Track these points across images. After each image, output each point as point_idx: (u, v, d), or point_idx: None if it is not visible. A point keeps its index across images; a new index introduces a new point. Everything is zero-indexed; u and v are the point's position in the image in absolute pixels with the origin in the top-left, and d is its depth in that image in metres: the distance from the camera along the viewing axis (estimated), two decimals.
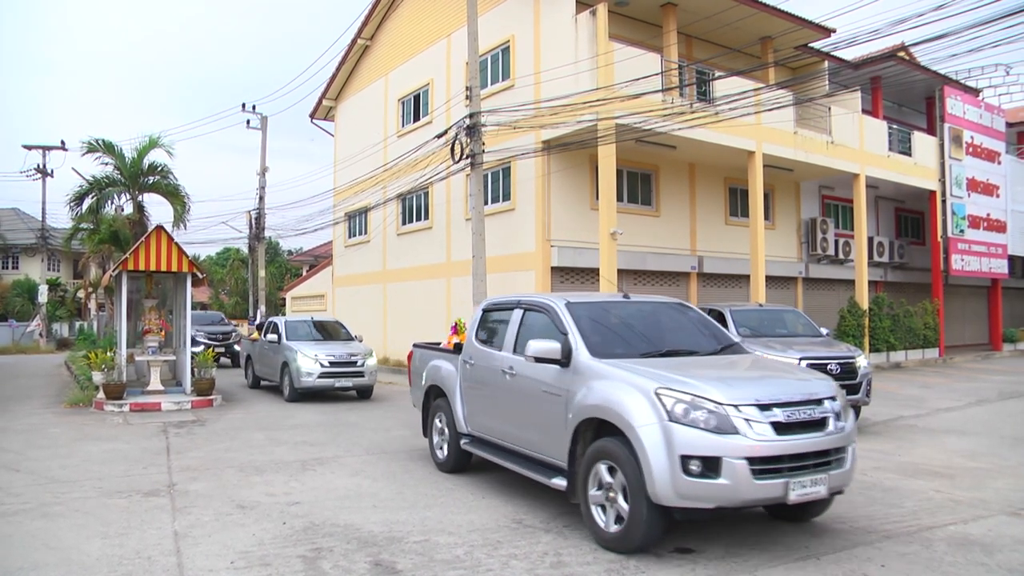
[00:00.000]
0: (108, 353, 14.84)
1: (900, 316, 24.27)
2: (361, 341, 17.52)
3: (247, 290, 38.46)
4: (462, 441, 8.18)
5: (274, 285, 45.41)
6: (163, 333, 15.68)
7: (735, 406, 5.36)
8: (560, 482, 6.33)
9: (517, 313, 7.67)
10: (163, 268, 14.93)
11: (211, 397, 14.82)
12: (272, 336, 17.05)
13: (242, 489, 7.77)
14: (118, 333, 15.65)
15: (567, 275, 19.05)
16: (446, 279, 22.16)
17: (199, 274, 15.93)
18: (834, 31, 20.80)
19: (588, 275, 18.98)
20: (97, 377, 14.56)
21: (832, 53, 20.80)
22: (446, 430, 8.59)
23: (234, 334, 25.37)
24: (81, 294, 42.95)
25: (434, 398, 9.07)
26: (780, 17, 20.03)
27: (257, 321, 28.02)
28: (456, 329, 10.14)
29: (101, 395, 14.24)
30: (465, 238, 19.57)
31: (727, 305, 15.39)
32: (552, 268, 18.61)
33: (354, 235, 28.26)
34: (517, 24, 19.58)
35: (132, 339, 16.01)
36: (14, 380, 20.56)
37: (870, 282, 24.30)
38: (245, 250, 38.28)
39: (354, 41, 27.35)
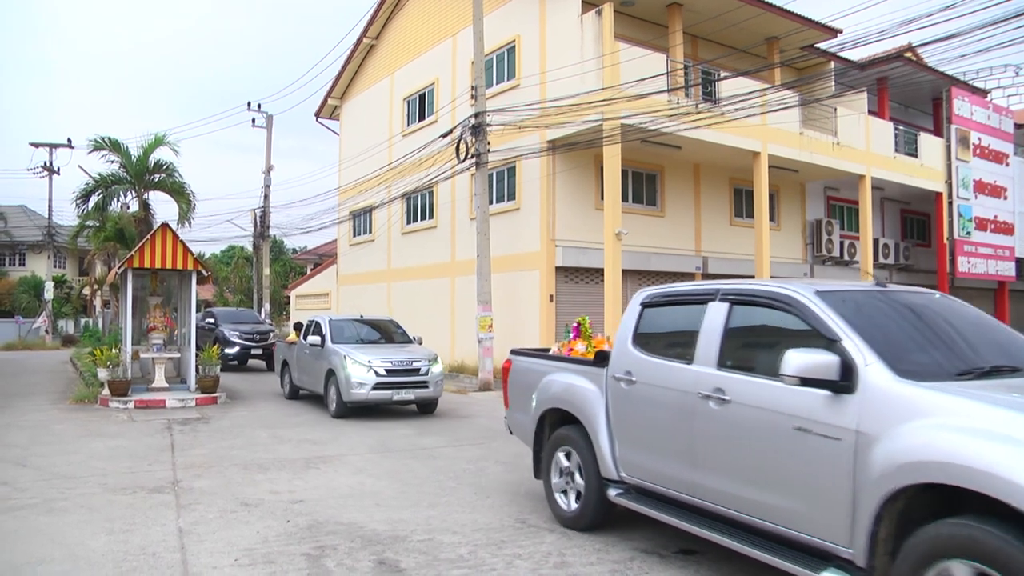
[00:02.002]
0: (113, 350, 14.88)
1: None
2: (421, 343, 15.12)
3: (251, 288, 38.50)
4: (611, 491, 5.90)
5: (278, 283, 45.45)
6: (167, 331, 15.71)
7: None
8: None
9: (717, 309, 5.27)
10: (168, 266, 14.95)
11: (215, 395, 14.84)
12: (314, 338, 14.43)
13: (246, 487, 7.78)
14: (123, 330, 15.70)
15: (571, 275, 19.05)
16: (450, 278, 22.17)
17: (204, 272, 15.94)
18: (841, 31, 20.79)
19: (593, 275, 18.98)
20: (102, 374, 14.60)
21: (839, 54, 20.77)
22: (578, 473, 6.31)
23: (272, 334, 23.49)
24: (87, 291, 43.17)
25: (553, 426, 6.76)
26: (786, 17, 20.02)
27: (262, 317, 28.01)
28: (579, 330, 7.55)
29: (106, 392, 14.28)
30: (470, 237, 19.57)
31: None
32: (556, 268, 18.62)
33: (359, 234, 28.30)
34: (523, 24, 19.58)
35: (137, 336, 16.05)
36: (20, 376, 20.62)
37: None
38: (250, 248, 38.39)
39: (360, 40, 27.38)
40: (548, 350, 7.79)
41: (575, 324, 7.74)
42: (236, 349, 22.18)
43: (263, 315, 28.55)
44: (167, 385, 15.07)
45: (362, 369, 12.75)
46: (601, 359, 6.27)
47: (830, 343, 4.38)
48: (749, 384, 4.80)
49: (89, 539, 5.93)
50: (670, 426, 5.37)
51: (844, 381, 4.18)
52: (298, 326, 16.41)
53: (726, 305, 5.25)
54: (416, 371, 13.09)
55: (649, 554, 5.64)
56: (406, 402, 13.28)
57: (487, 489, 7.76)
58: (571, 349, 7.37)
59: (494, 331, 17.56)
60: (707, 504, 5.05)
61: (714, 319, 5.27)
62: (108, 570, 5.24)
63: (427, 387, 13.18)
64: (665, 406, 5.44)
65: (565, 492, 6.49)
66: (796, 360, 4.22)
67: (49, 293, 38.50)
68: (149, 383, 15.08)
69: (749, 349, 5.18)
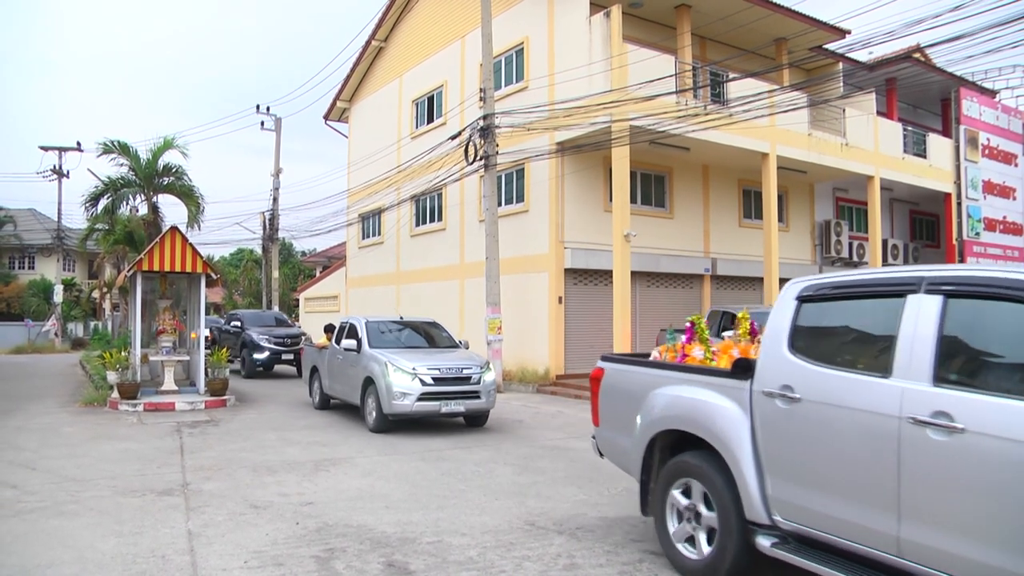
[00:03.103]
0: (122, 353, 14.92)
1: None
2: (468, 347, 13.82)
3: (261, 291, 38.62)
4: (762, 539, 4.62)
5: (288, 286, 45.58)
6: (176, 333, 15.74)
7: None
8: None
9: (924, 304, 4.01)
10: (177, 268, 15.00)
11: (224, 397, 14.87)
12: (349, 342, 12.92)
13: (255, 489, 7.79)
14: (132, 333, 15.75)
15: (580, 277, 19.04)
16: (459, 280, 22.18)
17: (213, 275, 15.99)
18: (849, 32, 20.74)
19: (602, 277, 18.97)
20: (111, 377, 14.64)
21: (847, 55, 20.73)
22: (707, 511, 5.01)
23: (303, 338, 21.86)
24: (96, 294, 43.33)
25: (667, 451, 5.50)
26: (795, 18, 19.98)
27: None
28: (693, 332, 6.07)
29: (115, 395, 14.32)
30: (479, 239, 19.59)
31: (741, 307, 15.37)
32: (565, 270, 18.62)
33: (368, 236, 28.34)
34: (531, 26, 19.59)
35: (146, 339, 16.10)
36: (30, 379, 20.71)
37: None
38: (259, 251, 38.51)
39: (368, 42, 27.44)
40: (648, 355, 6.45)
41: (688, 324, 6.15)
42: (265, 354, 21.19)
43: None
44: (176, 388, 15.10)
45: (406, 377, 11.33)
46: (743, 369, 4.92)
47: None
48: (1000, 409, 3.52)
49: (99, 542, 5.94)
50: (858, 459, 4.11)
51: None
52: (329, 328, 15.31)
53: (938, 299, 3.97)
54: (467, 379, 11.68)
55: (658, 556, 5.61)
56: (455, 414, 11.86)
57: (496, 491, 7.74)
58: (685, 355, 5.95)
59: (503, 333, 17.56)
60: (921, 568, 3.81)
61: (921, 318, 3.99)
62: (117, 573, 5.24)
63: (479, 397, 11.73)
64: (849, 432, 4.16)
65: (688, 535, 5.20)
66: None
67: (58, 296, 38.70)
68: (158, 386, 15.11)
69: (986, 359, 3.91)
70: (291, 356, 21.34)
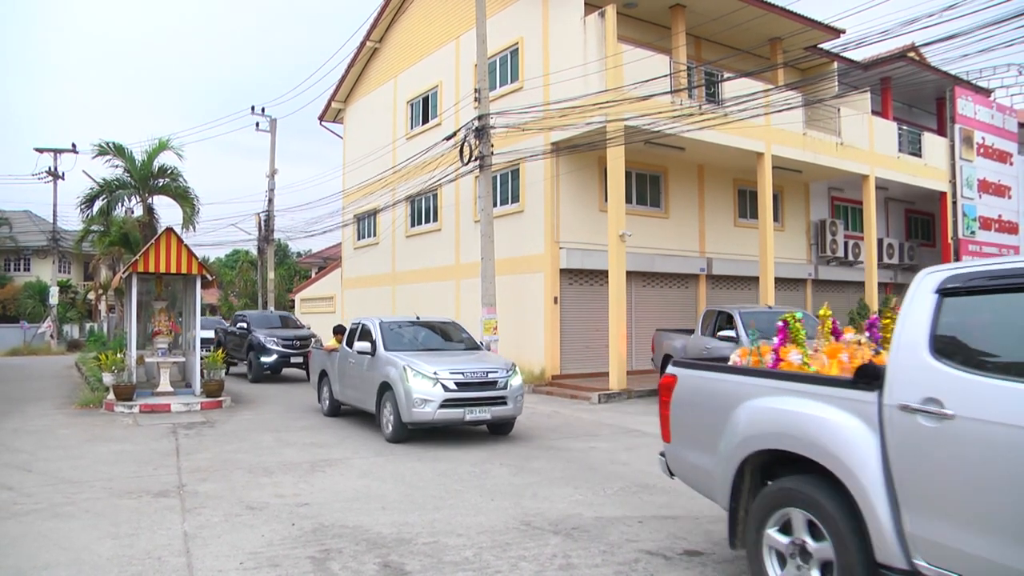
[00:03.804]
0: (118, 355, 14.93)
1: None
2: (489, 349, 12.92)
3: (256, 292, 38.57)
4: None
5: (283, 287, 45.54)
6: (172, 335, 15.73)
7: None
8: None
9: None
10: (173, 270, 14.99)
11: (220, 399, 14.86)
12: (363, 344, 12.02)
13: (251, 490, 7.79)
14: (128, 335, 15.73)
15: (576, 277, 19.06)
16: (455, 281, 22.18)
17: (208, 276, 15.99)
18: (843, 32, 20.74)
19: (597, 277, 18.98)
20: (107, 378, 14.63)
21: (842, 54, 20.73)
22: (818, 549, 4.13)
23: (314, 340, 20.55)
24: (91, 296, 43.20)
25: (758, 474, 4.72)
26: (789, 18, 20.00)
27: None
28: (786, 332, 5.20)
29: (111, 396, 14.31)
30: (474, 240, 19.58)
31: (736, 307, 15.39)
32: (561, 270, 18.63)
33: (363, 237, 28.34)
34: (526, 26, 19.60)
35: (142, 341, 16.08)
36: (25, 381, 20.66)
37: (880, 284, 24.19)
38: (254, 252, 38.42)
39: (363, 43, 27.44)
40: (727, 360, 5.60)
41: (780, 323, 5.24)
42: (273, 358, 20.21)
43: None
44: (172, 389, 15.10)
45: (427, 383, 10.47)
46: (870, 377, 4.00)
47: None
48: None
49: (95, 544, 5.94)
50: None
51: None
52: (339, 329, 14.71)
53: None
54: (492, 384, 10.80)
55: (654, 555, 5.64)
56: (480, 422, 11.06)
57: (492, 492, 7.76)
58: (779, 359, 5.10)
59: (499, 334, 17.55)
60: None
61: None
62: (113, 574, 5.25)
63: (506, 403, 10.87)
64: None
65: None
66: None
67: (54, 298, 38.60)
68: (154, 387, 15.11)
69: None
70: (300, 359, 20.37)
